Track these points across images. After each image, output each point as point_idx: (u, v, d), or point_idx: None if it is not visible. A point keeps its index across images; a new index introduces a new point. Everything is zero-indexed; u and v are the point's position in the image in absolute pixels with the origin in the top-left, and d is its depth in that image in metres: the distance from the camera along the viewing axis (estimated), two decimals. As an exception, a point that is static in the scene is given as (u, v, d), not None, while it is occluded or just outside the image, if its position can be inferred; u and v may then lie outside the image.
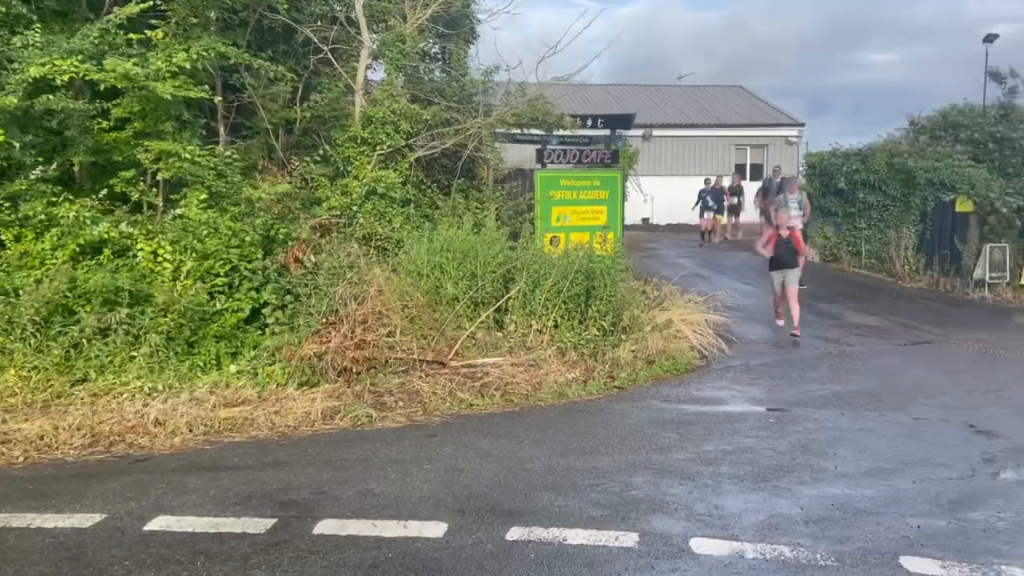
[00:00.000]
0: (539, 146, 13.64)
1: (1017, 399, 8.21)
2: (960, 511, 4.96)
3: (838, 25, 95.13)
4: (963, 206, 16.31)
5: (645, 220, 25.36)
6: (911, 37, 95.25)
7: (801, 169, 19.79)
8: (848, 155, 17.18)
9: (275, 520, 4.73)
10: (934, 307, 14.42)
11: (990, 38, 27.07)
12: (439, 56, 15.24)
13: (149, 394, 7.28)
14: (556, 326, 9.39)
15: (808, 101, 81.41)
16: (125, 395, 7.23)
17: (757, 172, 28.55)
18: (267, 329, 8.46)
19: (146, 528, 4.65)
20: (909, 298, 15.10)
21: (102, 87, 8.99)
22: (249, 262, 8.86)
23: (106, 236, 8.51)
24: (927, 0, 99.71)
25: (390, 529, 4.60)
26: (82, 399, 7.09)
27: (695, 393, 8.26)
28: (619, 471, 5.70)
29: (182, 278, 8.54)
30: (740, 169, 28.49)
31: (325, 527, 4.64)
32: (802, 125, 29.19)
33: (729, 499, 5.17)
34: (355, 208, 10.52)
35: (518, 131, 14.17)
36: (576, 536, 4.49)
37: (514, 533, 4.54)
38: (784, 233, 11.46)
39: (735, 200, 21.28)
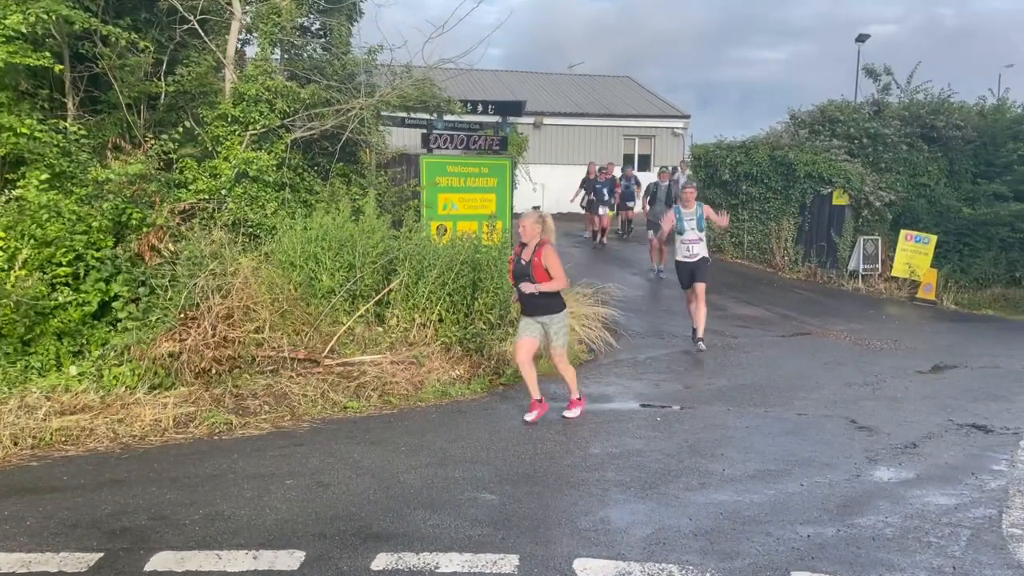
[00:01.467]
0: (425, 130, 13.10)
1: (892, 392, 8.33)
2: (848, 516, 4.83)
3: (727, 22, 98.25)
4: (839, 199, 16.83)
5: (535, 209, 25.18)
6: (794, 35, 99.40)
7: (687, 160, 20.00)
8: (732, 147, 17.42)
9: (101, 555, 4.08)
10: (812, 298, 14.79)
11: (862, 38, 28.39)
12: (320, 33, 14.38)
13: (-29, 401, 6.38)
14: (441, 320, 8.93)
15: (695, 95, 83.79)
16: (-60, 403, 6.30)
17: (645, 163, 28.91)
18: (119, 325, 7.64)
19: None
20: (789, 289, 15.46)
21: (-78, 50, 7.87)
22: (97, 250, 7.98)
23: (-77, 220, 7.44)
24: (810, 1, 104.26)
25: (237, 562, 4.03)
26: None
27: (582, 390, 7.96)
28: (501, 481, 5.31)
29: (17, 268, 7.58)
30: (629, 160, 28.83)
31: (160, 561, 4.02)
32: (687, 117, 29.76)
33: (615, 510, 4.86)
34: (224, 192, 9.70)
35: (405, 115, 13.56)
36: (450, 562, 4.06)
37: (380, 561, 4.06)
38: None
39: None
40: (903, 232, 16.49)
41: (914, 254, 16.23)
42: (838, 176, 16.58)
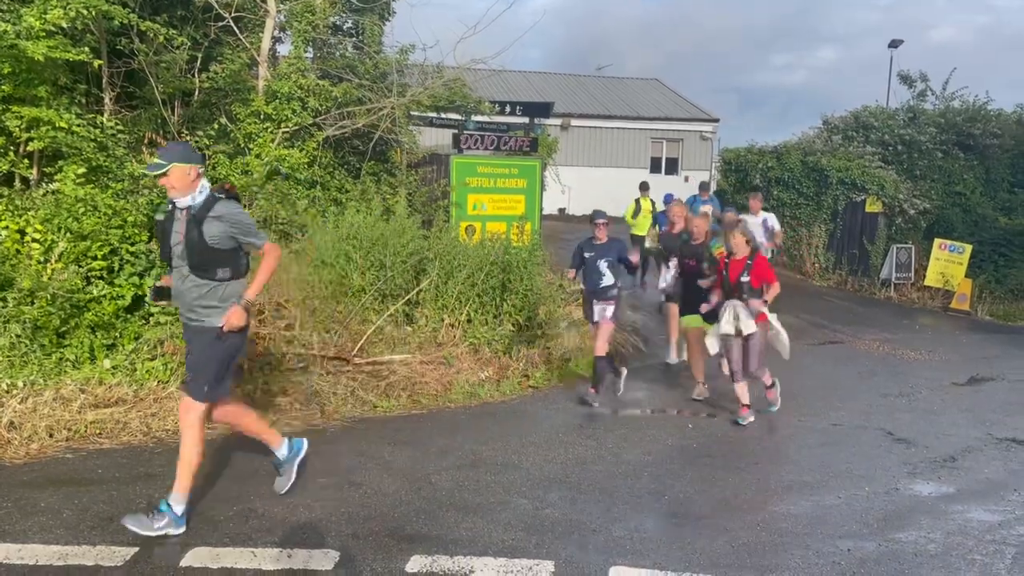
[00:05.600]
0: (455, 130, 13.09)
1: (928, 404, 8.19)
2: (889, 531, 4.72)
3: (760, 27, 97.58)
4: (872, 206, 16.61)
5: (561, 210, 25.14)
6: (825, 41, 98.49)
7: (715, 164, 19.86)
8: (763, 152, 17.28)
9: (136, 549, 4.07)
10: (844, 306, 14.60)
11: (895, 43, 27.99)
12: (352, 32, 14.44)
13: (7, 392, 6.42)
14: (469, 321, 8.90)
15: (724, 99, 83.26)
16: (-23, 393, 6.35)
17: (672, 166, 28.75)
18: (151, 319, 7.67)
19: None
20: (819, 296, 15.28)
21: (-35, 44, 7.96)
22: (132, 244, 8.00)
23: (-38, 212, 7.52)
24: (848, 7, 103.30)
25: (272, 560, 4.01)
26: (-76, 397, 6.18)
27: (613, 395, 7.91)
28: (532, 485, 5.26)
29: (53, 261, 7.64)
30: (656, 163, 28.69)
31: (195, 557, 4.01)
32: (716, 121, 29.54)
33: (650, 519, 4.80)
34: (255, 189, 9.73)
35: (434, 115, 13.57)
36: (485, 567, 4.01)
37: (415, 564, 4.03)
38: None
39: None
40: (937, 241, 16.24)
41: (948, 263, 15.97)
42: (872, 183, 16.37)
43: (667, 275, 8.19)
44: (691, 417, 7.24)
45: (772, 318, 7.31)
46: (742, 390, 7.19)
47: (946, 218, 16.93)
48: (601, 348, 7.61)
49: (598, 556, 4.21)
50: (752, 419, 7.06)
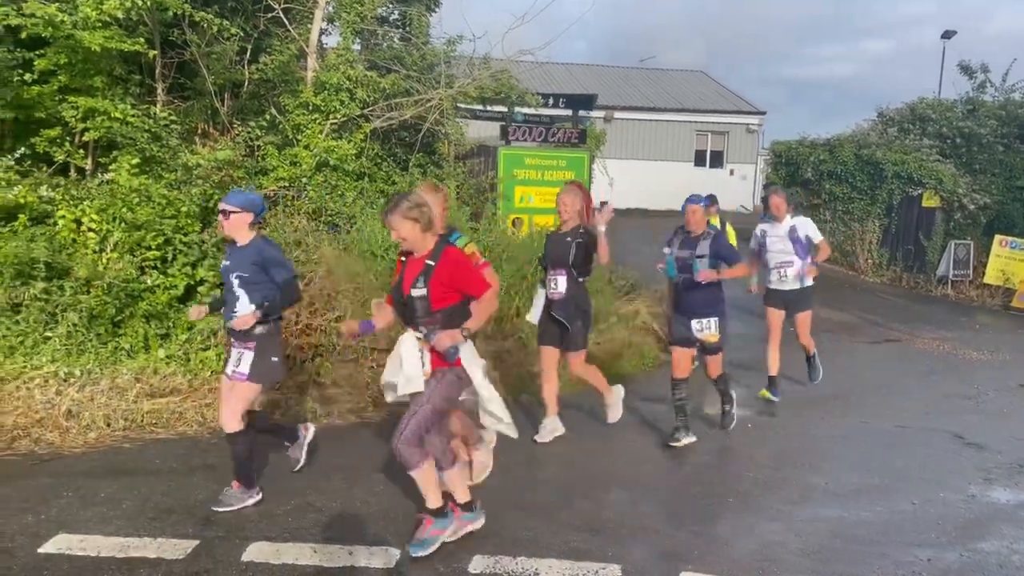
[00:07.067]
0: (502, 122, 12.95)
1: (997, 406, 7.88)
2: (969, 540, 4.51)
3: (805, 19, 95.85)
4: (930, 201, 16.13)
5: (603, 204, 24.89)
6: (872, 33, 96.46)
7: (763, 157, 19.48)
8: (815, 145, 16.86)
9: (197, 542, 4.04)
10: (899, 303, 14.20)
11: (948, 34, 27.14)
12: (399, 23, 14.38)
13: (65, 380, 6.46)
14: (518, 315, 8.77)
15: (771, 92, 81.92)
16: (36, 381, 6.39)
17: (717, 159, 28.32)
18: (203, 309, 7.69)
19: (41, 550, 3.92)
20: (873, 293, 14.89)
21: (24, 35, 8.04)
22: (185, 235, 8.03)
23: (21, 201, 7.59)
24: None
25: (333, 557, 3.94)
26: (-16, 385, 6.25)
27: (665, 392, 7.72)
28: (592, 486, 5.13)
29: (108, 250, 7.69)
30: (700, 156, 28.28)
31: (256, 552, 3.96)
32: (763, 113, 29.00)
33: (717, 523, 4.64)
34: (304, 180, 9.72)
35: (479, 107, 13.46)
36: (550, 569, 3.90)
37: (477, 564, 3.93)
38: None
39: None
40: (998, 237, 15.70)
41: (1009, 260, 15.44)
42: (929, 177, 15.89)
43: None
44: (754, 416, 7.03)
45: (473, 365, 4.11)
46: (427, 484, 4.09)
47: (1007, 213, 16.37)
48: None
49: (665, 561, 4.07)
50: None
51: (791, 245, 7.41)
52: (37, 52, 8.36)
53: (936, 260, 16.14)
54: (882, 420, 7.13)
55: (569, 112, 14.23)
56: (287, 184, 9.58)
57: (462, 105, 12.70)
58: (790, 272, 7.44)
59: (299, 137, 10.30)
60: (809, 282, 7.55)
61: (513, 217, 11.59)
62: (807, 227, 7.47)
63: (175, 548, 3.97)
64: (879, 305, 13.73)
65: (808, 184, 16.69)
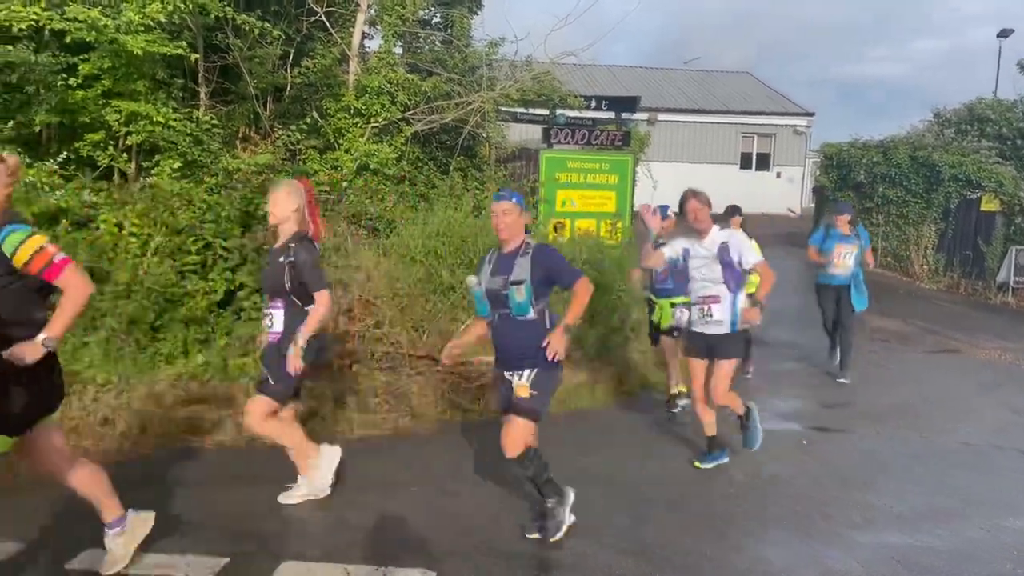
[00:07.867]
0: (544, 125, 12.76)
1: (1069, 423, 7.42)
2: (1049, 573, 4.18)
3: (859, 18, 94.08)
4: (989, 205, 15.51)
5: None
6: (921, 33, 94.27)
7: (811, 159, 18.96)
8: (868, 147, 16.36)
9: (227, 560, 3.89)
10: (957, 311, 13.65)
11: (1005, 33, 26.20)
12: (440, 25, 14.28)
13: (103, 386, 6.42)
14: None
15: (816, 92, 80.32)
16: (75, 387, 6.35)
17: (763, 162, 27.74)
18: (242, 315, 7.62)
19: (68, 566, 3.81)
20: (929, 300, 14.35)
21: (68, 39, 8.07)
22: (225, 239, 7.98)
23: (63, 206, 7.60)
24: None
25: (366, 578, 3.77)
26: (23, 391, 6.21)
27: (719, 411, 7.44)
28: (635, 504, 4.89)
29: (149, 254, 7.66)
30: (746, 159, 27.73)
31: (287, 571, 3.80)
32: (811, 115, 28.34)
33: (773, 548, 4.36)
34: (345, 184, 9.63)
35: (520, 110, 13.28)
36: (594, 597, 3.68)
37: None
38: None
39: None
40: (1061, 243, 15.05)
41: (1073, 267, 14.78)
42: (989, 180, 15.28)
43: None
44: (807, 432, 6.71)
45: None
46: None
47: (1071, 218, 15.68)
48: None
49: (718, 589, 3.82)
50: None
51: (719, 270, 5.44)
52: (81, 56, 8.41)
53: (996, 266, 15.51)
54: (945, 436, 6.76)
55: (612, 115, 14.01)
56: (328, 188, 9.50)
57: (503, 108, 12.54)
58: (715, 309, 5.47)
59: (340, 141, 10.23)
60: (744, 326, 5.50)
61: (555, 222, 11.38)
62: (741, 246, 5.44)
63: (205, 567, 3.83)
64: (936, 313, 13.21)
65: (860, 187, 16.18)
